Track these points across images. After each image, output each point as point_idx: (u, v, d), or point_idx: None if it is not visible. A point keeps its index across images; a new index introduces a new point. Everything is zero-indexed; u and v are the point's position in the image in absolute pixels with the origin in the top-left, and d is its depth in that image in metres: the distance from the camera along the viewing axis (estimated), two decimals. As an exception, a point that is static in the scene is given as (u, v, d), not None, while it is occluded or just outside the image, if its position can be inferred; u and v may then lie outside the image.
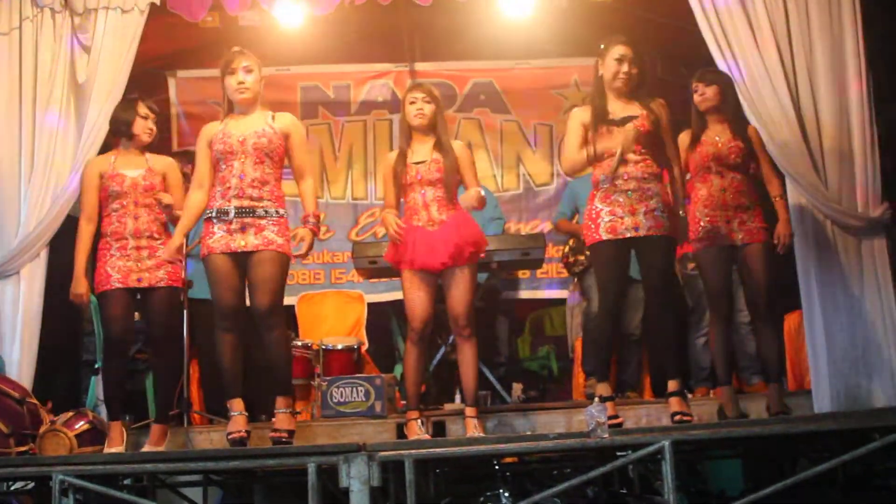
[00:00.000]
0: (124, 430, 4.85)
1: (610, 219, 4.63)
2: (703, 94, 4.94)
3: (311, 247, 4.64)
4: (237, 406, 4.59)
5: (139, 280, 4.79)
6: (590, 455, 4.89)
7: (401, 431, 4.97)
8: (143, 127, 4.93)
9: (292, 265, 4.75)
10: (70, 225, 5.13)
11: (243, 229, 4.55)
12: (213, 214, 4.60)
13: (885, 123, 5.32)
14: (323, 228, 7.44)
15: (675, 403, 4.64)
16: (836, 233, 5.18)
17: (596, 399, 4.48)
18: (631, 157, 4.63)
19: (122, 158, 4.92)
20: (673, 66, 6.49)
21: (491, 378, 6.34)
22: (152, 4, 5.53)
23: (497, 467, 5.52)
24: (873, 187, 5.16)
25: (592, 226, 4.68)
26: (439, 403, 5.95)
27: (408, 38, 7.56)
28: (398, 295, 6.48)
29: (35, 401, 5.00)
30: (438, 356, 6.27)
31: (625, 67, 4.68)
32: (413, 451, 4.01)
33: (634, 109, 4.69)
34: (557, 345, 7.03)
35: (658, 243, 4.62)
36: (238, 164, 4.59)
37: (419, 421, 4.81)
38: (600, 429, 4.01)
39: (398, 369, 6.31)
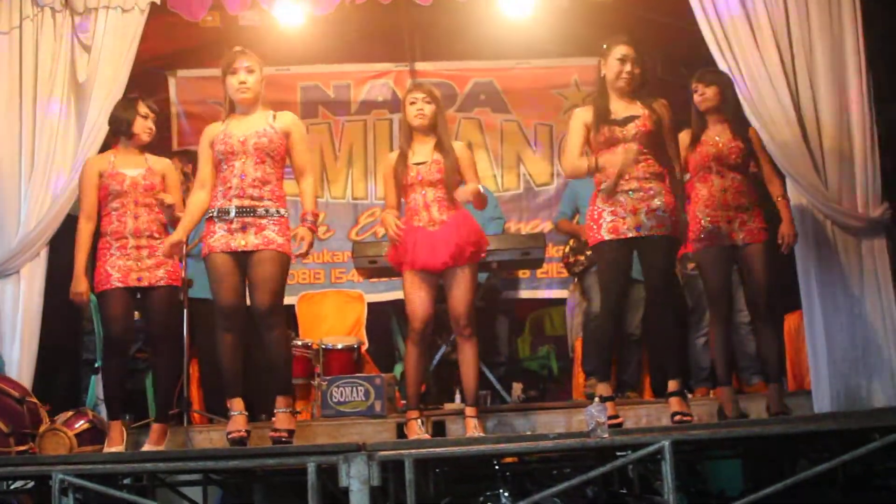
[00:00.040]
0: (124, 429, 4.86)
1: (612, 219, 4.63)
2: (703, 95, 4.94)
3: (310, 245, 4.64)
4: (237, 405, 4.59)
5: (139, 279, 4.79)
6: (590, 455, 4.89)
7: (401, 431, 4.97)
8: (143, 126, 4.93)
9: (292, 265, 4.75)
10: (70, 224, 5.13)
11: (244, 229, 4.55)
12: (215, 214, 4.60)
13: (885, 123, 5.32)
14: (323, 228, 7.45)
15: (675, 403, 4.64)
16: (836, 233, 5.18)
17: (596, 399, 4.48)
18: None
19: (121, 157, 4.92)
20: (673, 66, 6.49)
21: (491, 378, 6.34)
22: (153, 4, 5.53)
23: (497, 467, 5.52)
24: (873, 187, 5.16)
25: (595, 226, 4.68)
26: (439, 403, 5.95)
27: (408, 38, 7.56)
28: (398, 294, 6.51)
29: (35, 400, 5.00)
30: (438, 356, 6.27)
31: (627, 67, 4.68)
32: (413, 451, 4.01)
33: (636, 109, 4.69)
34: (557, 345, 7.03)
35: (660, 243, 4.62)
36: (239, 164, 4.59)
37: (419, 421, 4.81)
38: (600, 429, 4.01)
39: (398, 369, 6.31)
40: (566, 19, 6.65)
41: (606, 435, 4.01)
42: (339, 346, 6.16)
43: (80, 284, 4.83)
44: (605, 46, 4.74)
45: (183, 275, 5.58)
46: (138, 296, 4.86)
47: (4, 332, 5.28)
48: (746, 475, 5.75)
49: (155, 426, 4.87)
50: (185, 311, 5.59)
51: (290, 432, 4.57)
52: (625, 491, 5.54)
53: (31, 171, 5.40)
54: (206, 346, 5.73)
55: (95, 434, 4.87)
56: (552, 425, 5.13)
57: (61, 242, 5.31)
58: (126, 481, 5.10)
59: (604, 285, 4.77)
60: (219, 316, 4.59)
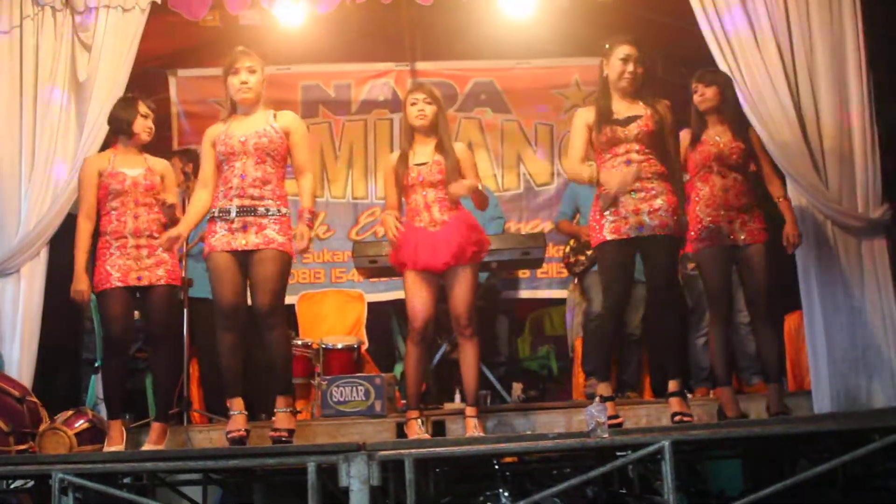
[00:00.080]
0: (124, 428, 4.86)
1: (614, 219, 4.63)
2: (703, 95, 4.94)
3: (310, 241, 4.63)
4: (237, 405, 4.60)
5: (139, 278, 4.80)
6: (589, 455, 4.89)
7: (401, 431, 4.97)
8: (143, 126, 4.93)
9: (293, 264, 4.75)
10: (70, 223, 5.13)
11: (245, 228, 4.55)
12: (216, 214, 4.61)
13: (885, 124, 5.31)
14: (323, 228, 7.46)
15: (675, 404, 4.64)
16: (837, 233, 5.18)
17: (596, 399, 4.48)
18: (634, 157, 4.64)
19: (121, 157, 4.92)
20: (673, 65, 6.49)
21: (491, 378, 6.34)
22: (153, 3, 5.53)
23: (497, 467, 5.52)
24: (874, 188, 5.16)
25: (597, 226, 4.68)
26: (439, 403, 5.95)
27: (409, 38, 7.56)
28: (398, 294, 6.52)
29: (35, 399, 5.00)
30: (438, 356, 6.27)
31: (630, 67, 4.67)
32: (413, 451, 4.01)
33: (639, 109, 4.69)
34: (557, 344, 7.02)
35: (662, 243, 4.62)
36: (240, 165, 4.60)
37: (419, 420, 4.81)
38: (600, 429, 4.01)
39: (398, 369, 6.31)
40: (567, 19, 6.65)
41: (606, 435, 4.01)
42: (339, 346, 6.16)
43: (80, 282, 4.83)
44: (607, 46, 4.74)
45: (183, 274, 5.59)
46: (138, 295, 4.86)
47: (4, 331, 5.28)
48: (746, 475, 5.75)
49: (155, 425, 4.87)
50: (185, 310, 5.59)
51: (291, 432, 4.58)
52: (625, 491, 5.54)
53: (32, 171, 5.40)
54: (205, 346, 5.74)
55: (95, 433, 4.87)
56: (552, 425, 5.13)
57: (61, 242, 5.31)
58: (126, 481, 5.11)
59: (606, 285, 4.77)
60: (219, 315, 4.59)
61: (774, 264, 4.92)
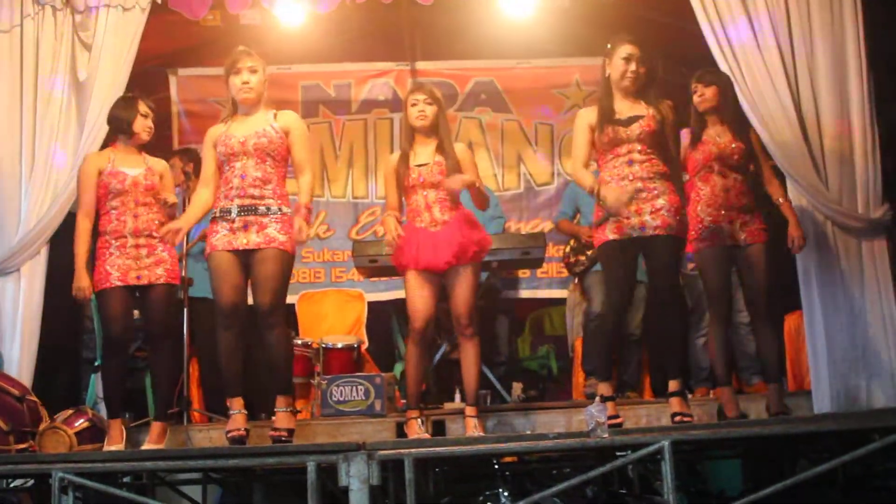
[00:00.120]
0: (124, 428, 4.86)
1: (616, 219, 4.62)
2: (703, 95, 4.94)
3: (308, 235, 4.60)
4: (237, 404, 4.60)
5: (138, 277, 4.79)
6: (589, 455, 4.89)
7: (400, 430, 4.97)
8: (143, 125, 4.93)
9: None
10: (69, 223, 5.12)
11: (246, 227, 4.55)
12: (218, 214, 4.62)
13: (885, 124, 5.31)
14: (323, 227, 7.47)
15: (675, 404, 4.63)
16: (837, 233, 5.18)
17: (597, 398, 4.48)
18: (637, 157, 4.64)
19: (121, 156, 4.91)
20: (674, 65, 6.49)
21: (491, 377, 6.34)
22: (153, 2, 5.53)
23: (497, 467, 5.52)
24: (874, 188, 5.16)
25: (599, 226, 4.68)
26: (439, 402, 5.95)
27: (409, 37, 7.56)
28: (398, 294, 6.52)
29: (35, 398, 5.00)
30: (439, 355, 6.27)
31: (632, 66, 4.67)
32: (413, 451, 4.01)
33: (641, 109, 4.68)
34: (557, 344, 7.02)
35: (664, 243, 4.61)
36: (240, 165, 4.60)
37: (419, 420, 4.81)
38: (600, 429, 4.01)
39: (398, 368, 6.31)
40: (567, 19, 6.65)
41: (606, 435, 4.01)
42: (339, 346, 6.16)
43: (82, 280, 4.81)
44: (609, 46, 4.73)
45: (183, 273, 5.59)
46: (137, 294, 4.86)
47: (4, 330, 5.28)
48: (746, 475, 5.75)
49: (154, 425, 4.87)
50: (185, 310, 5.59)
51: (290, 431, 4.58)
52: (624, 491, 5.54)
53: (32, 170, 5.40)
54: (205, 346, 5.74)
55: (95, 432, 4.87)
56: (552, 425, 5.13)
57: (61, 241, 5.30)
58: (126, 480, 5.10)
59: (609, 285, 4.77)
60: (219, 315, 4.59)
61: (774, 264, 4.92)
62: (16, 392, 4.87)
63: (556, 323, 7.42)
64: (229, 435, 4.54)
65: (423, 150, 4.88)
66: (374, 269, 6.23)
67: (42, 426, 4.81)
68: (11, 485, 4.94)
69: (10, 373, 5.13)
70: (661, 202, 4.61)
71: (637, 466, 5.32)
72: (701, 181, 4.92)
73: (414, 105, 4.87)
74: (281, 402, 4.59)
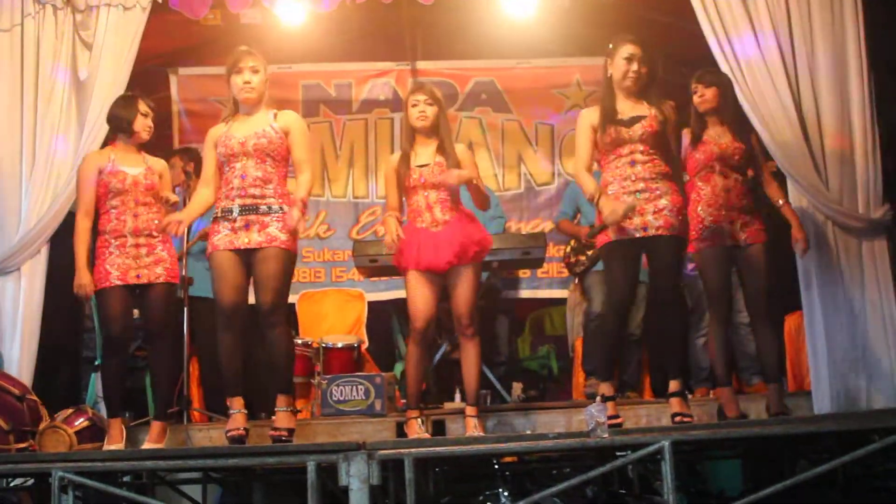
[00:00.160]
0: (124, 427, 4.86)
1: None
2: (703, 96, 4.94)
3: (301, 222, 4.56)
4: (237, 404, 4.60)
5: (138, 276, 4.79)
6: (589, 455, 4.89)
7: (401, 430, 4.97)
8: (144, 124, 4.93)
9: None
10: (69, 222, 5.12)
11: (247, 226, 4.56)
12: (219, 214, 4.63)
13: (886, 124, 5.31)
14: (324, 227, 7.47)
15: (675, 404, 4.63)
16: (837, 234, 5.18)
17: (598, 398, 4.48)
18: (639, 157, 4.63)
19: (121, 155, 4.91)
20: (674, 65, 6.49)
21: (491, 377, 6.34)
22: (154, 1, 5.53)
23: (497, 466, 5.52)
24: (874, 188, 5.16)
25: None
26: (439, 402, 5.95)
27: (409, 37, 7.55)
28: (399, 293, 6.52)
29: (35, 397, 5.00)
30: (439, 355, 6.27)
31: (634, 66, 4.66)
32: (413, 450, 4.01)
33: (643, 109, 4.68)
34: (557, 344, 7.02)
35: (667, 243, 4.61)
36: (240, 166, 4.61)
37: (419, 420, 4.81)
38: (600, 429, 4.01)
39: (398, 368, 6.31)
40: (567, 19, 6.65)
41: (606, 435, 4.01)
42: (340, 345, 6.16)
43: (83, 277, 4.79)
44: (611, 46, 4.73)
45: (183, 273, 5.59)
46: (137, 293, 4.85)
47: (5, 329, 5.28)
48: (746, 475, 5.75)
49: (154, 424, 4.87)
50: (185, 309, 5.59)
51: (291, 431, 4.57)
52: (624, 491, 5.54)
53: (32, 169, 5.40)
54: (205, 345, 5.74)
55: (95, 432, 4.87)
56: (552, 425, 5.13)
57: (61, 241, 5.30)
58: (126, 479, 5.10)
59: (611, 285, 4.77)
60: (219, 315, 4.59)
61: (774, 265, 4.92)
62: (16, 391, 4.87)
63: (556, 323, 7.42)
64: (229, 434, 4.54)
65: (423, 151, 4.88)
66: (375, 268, 6.23)
67: (42, 425, 4.82)
68: (11, 484, 4.94)
69: (11, 372, 5.13)
70: (663, 202, 4.61)
71: (637, 466, 5.32)
72: (701, 181, 4.92)
73: (414, 105, 4.87)
74: (281, 401, 4.59)
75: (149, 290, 4.83)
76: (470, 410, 4.82)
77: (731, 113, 4.97)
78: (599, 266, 5.92)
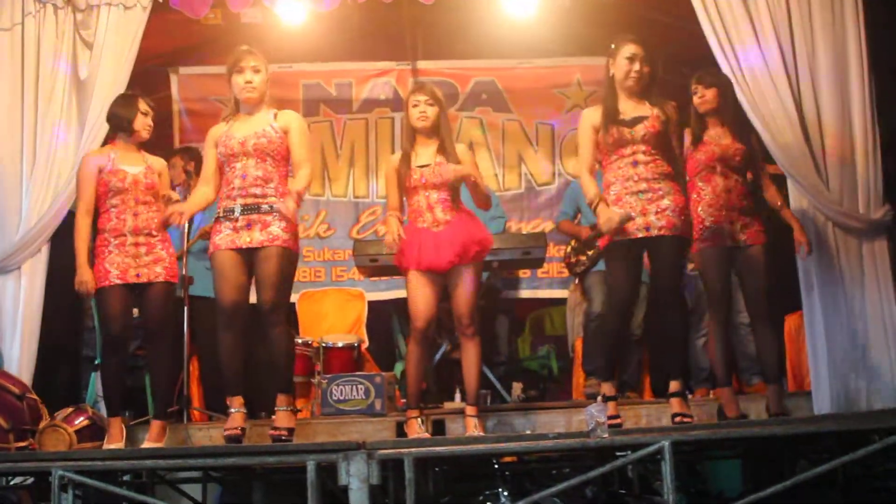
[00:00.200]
0: (124, 426, 4.86)
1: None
2: (703, 97, 4.94)
3: (295, 204, 4.53)
4: (236, 403, 4.60)
5: (137, 275, 4.79)
6: (589, 455, 4.89)
7: (400, 430, 4.97)
8: (144, 123, 4.93)
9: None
10: (70, 221, 5.12)
11: (249, 226, 4.56)
12: (221, 214, 4.63)
13: (886, 125, 5.31)
14: (324, 226, 7.47)
15: (675, 404, 4.63)
16: (838, 234, 5.18)
17: (599, 398, 4.48)
18: (641, 157, 4.63)
19: (121, 154, 4.90)
20: (674, 66, 6.50)
21: (491, 377, 6.34)
22: (155, 1, 5.53)
23: (496, 466, 5.52)
24: (875, 189, 5.16)
25: None
26: (439, 402, 5.95)
27: (410, 37, 7.55)
28: (399, 293, 6.52)
29: (35, 396, 5.00)
30: (439, 355, 6.27)
31: (636, 66, 4.65)
32: (413, 450, 4.01)
33: (645, 110, 4.67)
34: (557, 344, 7.02)
35: (669, 243, 4.60)
36: (240, 166, 4.61)
37: (419, 419, 4.81)
38: (600, 429, 4.01)
39: (398, 367, 6.31)
40: (568, 19, 6.65)
41: (606, 435, 4.01)
42: (340, 345, 6.16)
43: (84, 273, 4.78)
44: (613, 46, 4.72)
45: (184, 272, 5.59)
46: (136, 292, 4.85)
47: (5, 328, 5.28)
48: (746, 476, 5.75)
49: (154, 423, 4.87)
50: (185, 308, 5.59)
51: (290, 430, 4.58)
52: (624, 491, 5.54)
53: (33, 168, 5.40)
54: (206, 344, 5.74)
55: (95, 431, 4.87)
56: (552, 425, 5.13)
57: (61, 241, 5.30)
58: (125, 478, 5.10)
59: (613, 285, 4.76)
60: (220, 314, 4.59)
61: (775, 266, 4.93)
62: (16, 390, 4.87)
63: (556, 323, 7.42)
64: (224, 433, 4.55)
65: (424, 151, 4.88)
66: (375, 268, 6.23)
67: (42, 424, 4.82)
68: (11, 483, 4.94)
69: (11, 371, 5.13)
70: (666, 202, 4.60)
71: (637, 467, 5.32)
72: (702, 181, 4.92)
73: (415, 106, 4.86)
74: (281, 400, 4.59)
75: (148, 289, 4.83)
76: (470, 410, 4.82)
77: (730, 114, 4.97)
78: (600, 266, 5.92)
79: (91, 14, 5.52)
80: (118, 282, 4.76)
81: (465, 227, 4.79)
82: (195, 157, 5.81)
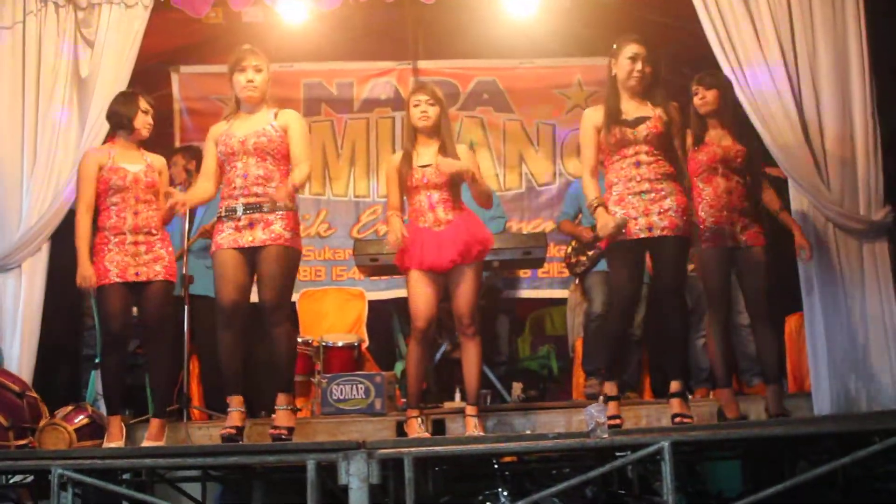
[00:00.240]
0: (123, 424, 4.86)
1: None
2: (704, 98, 4.94)
3: (288, 192, 4.54)
4: (235, 402, 4.60)
5: (136, 274, 4.79)
6: (589, 455, 4.89)
7: (400, 429, 4.97)
8: (144, 121, 4.92)
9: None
10: (70, 220, 5.11)
11: (251, 225, 4.56)
12: (224, 213, 4.63)
13: (887, 126, 5.31)
14: (325, 226, 7.47)
15: (676, 405, 4.62)
16: (838, 235, 5.18)
17: (601, 398, 4.48)
18: (643, 158, 4.63)
19: (121, 152, 4.90)
20: (676, 67, 6.50)
21: (491, 377, 6.34)
22: (156, 0, 5.53)
23: (496, 466, 5.52)
24: (875, 190, 5.16)
25: None
26: (439, 402, 5.95)
27: (411, 36, 7.55)
28: (399, 293, 6.52)
29: (35, 394, 5.00)
30: (439, 354, 6.27)
31: (638, 66, 4.64)
32: (412, 450, 4.01)
33: (647, 110, 4.66)
34: (558, 344, 7.02)
35: (672, 244, 4.60)
36: (241, 165, 4.61)
37: (419, 419, 4.81)
38: (600, 429, 4.00)
39: (398, 367, 6.31)
40: (569, 19, 6.65)
41: (606, 435, 4.01)
42: (340, 344, 6.16)
43: (86, 269, 4.76)
44: (615, 46, 4.71)
45: (184, 270, 5.59)
46: (135, 290, 4.84)
47: (5, 326, 5.28)
48: (746, 476, 5.75)
49: (153, 421, 4.87)
50: (185, 307, 5.59)
51: (290, 430, 4.58)
52: (624, 491, 5.54)
53: (34, 166, 5.40)
54: (205, 343, 5.74)
55: (95, 429, 4.88)
56: (552, 425, 5.13)
57: (61, 240, 5.30)
58: (125, 477, 5.10)
59: (616, 285, 4.76)
60: (219, 313, 4.59)
61: (775, 266, 4.92)
62: (16, 388, 4.87)
63: (556, 323, 7.41)
64: (221, 432, 4.55)
65: (425, 151, 4.87)
66: (375, 267, 6.23)
67: (42, 422, 4.82)
68: (11, 481, 4.94)
69: (11, 369, 5.13)
70: (668, 203, 4.60)
71: (636, 467, 5.32)
72: (703, 182, 4.92)
73: (416, 105, 4.86)
74: (281, 399, 4.60)
75: (146, 288, 4.82)
76: (470, 410, 4.82)
77: (731, 115, 4.97)
78: (600, 266, 5.92)
79: (92, 12, 5.53)
80: (117, 280, 4.75)
81: (466, 227, 4.79)
82: (196, 156, 5.81)
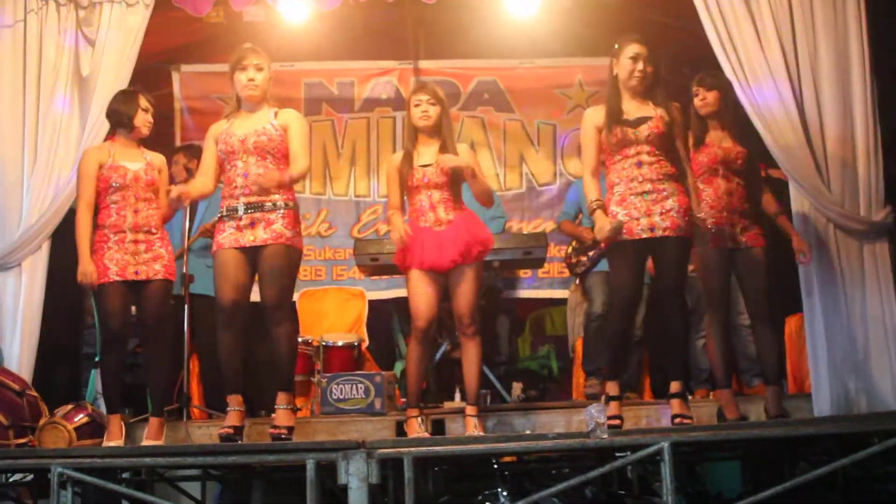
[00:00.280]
0: (123, 423, 4.86)
1: (626, 220, 4.61)
2: (704, 99, 4.94)
3: (276, 182, 4.55)
4: (234, 402, 4.61)
5: (136, 273, 4.78)
6: (589, 455, 4.89)
7: (400, 429, 4.97)
8: (144, 120, 4.92)
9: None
10: (70, 219, 5.11)
11: (253, 224, 4.56)
12: (225, 213, 4.63)
13: (888, 127, 5.31)
14: (325, 225, 7.47)
15: (676, 405, 4.62)
16: (839, 236, 5.18)
17: (602, 398, 4.48)
18: (645, 158, 4.62)
19: (121, 150, 4.90)
20: (676, 67, 6.50)
21: (491, 377, 6.34)
22: (157, -2, 5.54)
23: (496, 466, 5.52)
24: (876, 191, 5.16)
25: None
26: (439, 401, 5.95)
27: (412, 36, 7.55)
28: (399, 292, 6.52)
29: (35, 393, 5.00)
30: (439, 354, 6.27)
31: (640, 66, 4.64)
32: (412, 449, 4.01)
33: (649, 110, 4.66)
34: (558, 344, 7.02)
35: (673, 244, 4.60)
36: (241, 164, 4.61)
37: (419, 419, 4.81)
38: (600, 429, 4.00)
39: (398, 367, 6.31)
40: (570, 19, 6.65)
41: (606, 435, 4.01)
42: (340, 344, 6.16)
43: (87, 265, 4.75)
44: (616, 46, 4.71)
45: (184, 269, 5.59)
46: (135, 289, 4.84)
47: (5, 325, 5.28)
48: (746, 477, 5.75)
49: (152, 420, 4.86)
50: (186, 306, 5.59)
51: (290, 429, 4.58)
52: (623, 492, 5.53)
53: (34, 165, 5.40)
54: (205, 342, 5.74)
55: (95, 428, 4.87)
56: (552, 425, 5.13)
57: (61, 240, 5.30)
58: (125, 475, 5.11)
59: (618, 285, 4.75)
60: (219, 312, 4.59)
61: (774, 267, 4.93)
62: (16, 387, 4.87)
63: (556, 323, 7.41)
64: (219, 432, 4.55)
65: (426, 151, 4.87)
66: (376, 267, 6.23)
67: (42, 421, 4.82)
68: (10, 479, 4.93)
69: (11, 368, 5.12)
70: (670, 203, 4.59)
71: (636, 467, 5.32)
72: (703, 183, 4.92)
73: (417, 105, 4.86)
74: (281, 399, 4.59)
75: (146, 287, 4.82)
76: (470, 410, 4.81)
77: (731, 116, 4.97)
78: (600, 267, 5.92)
79: (93, 11, 5.53)
80: (117, 279, 4.75)
81: (467, 227, 4.79)
82: (197, 155, 5.79)
